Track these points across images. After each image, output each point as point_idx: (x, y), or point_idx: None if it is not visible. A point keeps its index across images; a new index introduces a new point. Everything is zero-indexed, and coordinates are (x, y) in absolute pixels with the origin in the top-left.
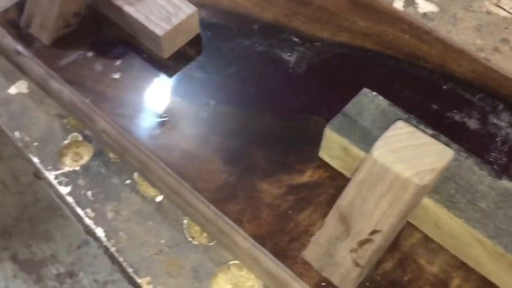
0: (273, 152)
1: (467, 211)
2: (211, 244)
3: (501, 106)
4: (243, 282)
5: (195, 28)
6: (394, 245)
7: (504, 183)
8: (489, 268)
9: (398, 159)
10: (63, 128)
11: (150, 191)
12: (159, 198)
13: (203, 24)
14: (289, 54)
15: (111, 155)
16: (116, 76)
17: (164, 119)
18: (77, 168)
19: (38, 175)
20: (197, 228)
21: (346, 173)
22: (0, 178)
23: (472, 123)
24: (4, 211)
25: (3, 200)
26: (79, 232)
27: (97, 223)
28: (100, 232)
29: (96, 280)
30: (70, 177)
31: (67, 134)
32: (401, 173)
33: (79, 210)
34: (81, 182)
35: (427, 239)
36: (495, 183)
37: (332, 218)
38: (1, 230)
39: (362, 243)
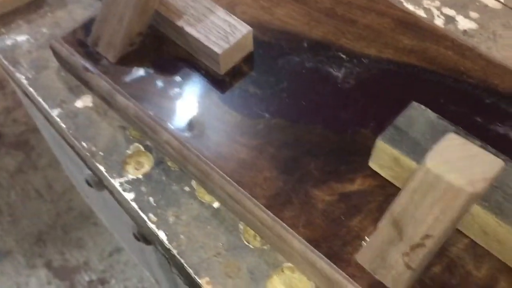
0: (324, 162)
1: None
2: (265, 247)
3: None
4: (296, 284)
5: (249, 46)
6: (442, 250)
7: None
8: None
9: (451, 169)
10: (126, 139)
11: (207, 197)
12: (216, 205)
13: (256, 42)
14: (337, 70)
15: (170, 164)
16: (177, 90)
17: (221, 130)
18: (140, 176)
19: (93, 184)
20: (252, 232)
21: (395, 182)
22: (35, 187)
23: None
24: (39, 219)
25: (38, 208)
26: (111, 240)
27: (159, 227)
28: (162, 235)
29: (127, 287)
30: (133, 185)
31: (129, 144)
32: (454, 181)
33: (142, 215)
34: (143, 189)
35: (474, 244)
36: None
37: (385, 223)
38: (35, 238)
39: (414, 247)
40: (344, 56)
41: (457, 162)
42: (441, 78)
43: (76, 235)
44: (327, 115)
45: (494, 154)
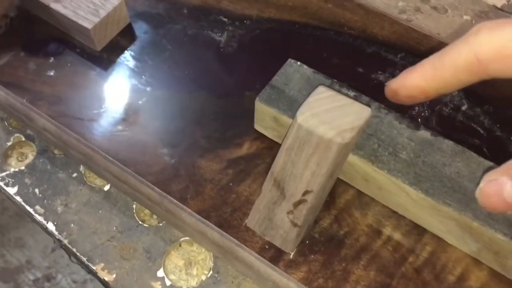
0: (211, 129)
1: (389, 163)
2: (161, 224)
3: None
4: (194, 256)
5: (124, 18)
6: (330, 203)
7: (422, 133)
8: (415, 213)
9: (321, 122)
10: (5, 130)
11: (98, 181)
12: (107, 187)
13: (133, 13)
14: (219, 34)
15: (56, 151)
16: (51, 73)
17: (102, 110)
18: (23, 167)
19: None
20: (147, 211)
21: (281, 142)
22: None
23: None
24: None
25: None
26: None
27: (47, 219)
28: (51, 226)
29: (75, 280)
30: (16, 177)
31: (9, 135)
32: (324, 134)
33: (28, 208)
34: (27, 181)
35: (359, 193)
36: (414, 134)
37: (268, 185)
38: None
39: (297, 204)
40: (225, 20)
41: (326, 114)
42: (322, 32)
43: (15, 235)
44: (211, 81)
45: (367, 103)
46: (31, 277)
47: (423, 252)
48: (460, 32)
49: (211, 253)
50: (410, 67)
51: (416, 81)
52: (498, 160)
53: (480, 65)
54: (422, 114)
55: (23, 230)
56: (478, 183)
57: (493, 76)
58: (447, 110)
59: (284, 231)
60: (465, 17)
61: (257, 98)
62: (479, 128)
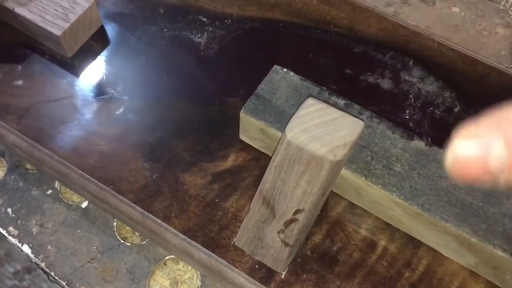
0: (193, 141)
1: (383, 177)
2: (144, 242)
3: (411, 62)
4: (181, 275)
5: (96, 21)
6: (321, 217)
7: (416, 143)
8: (411, 226)
9: (312, 138)
10: None
11: (75, 197)
12: (85, 204)
13: (105, 14)
14: (199, 35)
15: (28, 166)
16: (19, 83)
17: (75, 122)
18: None
19: None
20: (128, 228)
21: (269, 153)
22: None
23: (386, 83)
24: None
25: None
26: None
27: (22, 241)
28: (26, 249)
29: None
30: None
31: None
32: (316, 151)
33: (1, 230)
34: None
35: (352, 206)
36: (408, 144)
37: (256, 203)
38: None
39: (288, 223)
40: (205, 19)
41: (317, 130)
42: (308, 31)
43: None
44: (192, 88)
45: (358, 112)
46: (11, 270)
47: (419, 266)
48: (449, 25)
49: (199, 271)
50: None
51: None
52: None
53: None
54: (414, 117)
55: None
56: (475, 196)
57: None
58: (439, 113)
59: (275, 250)
60: (453, 9)
61: (242, 110)
62: None
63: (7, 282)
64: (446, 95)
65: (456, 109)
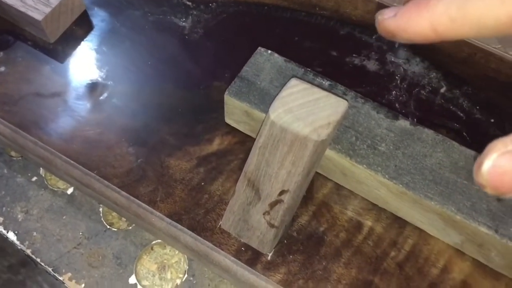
0: (178, 125)
1: (368, 157)
2: (130, 228)
3: (397, 44)
4: (168, 259)
5: (79, 6)
6: (307, 198)
7: (401, 123)
8: (396, 206)
9: (295, 118)
10: None
11: (60, 184)
12: (70, 190)
13: None
14: (183, 19)
15: (13, 153)
16: (1, 69)
17: (59, 108)
18: None
19: None
20: (114, 214)
21: (254, 136)
22: None
23: (372, 65)
24: None
25: None
26: None
27: (7, 228)
28: (12, 236)
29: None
30: None
31: None
32: (300, 131)
33: None
34: None
35: (338, 187)
36: (392, 124)
37: (241, 185)
38: None
39: (273, 204)
40: (189, 3)
41: (301, 110)
42: (293, 14)
43: None
44: (177, 72)
45: (342, 92)
46: (6, 263)
47: (405, 245)
48: None
49: (185, 255)
50: (411, 3)
51: (424, 30)
52: (478, 144)
53: None
54: (400, 99)
55: None
56: (459, 174)
57: None
58: (425, 93)
59: (261, 232)
60: None
61: (226, 92)
62: (458, 112)
63: (1, 276)
64: (432, 75)
65: (442, 90)
